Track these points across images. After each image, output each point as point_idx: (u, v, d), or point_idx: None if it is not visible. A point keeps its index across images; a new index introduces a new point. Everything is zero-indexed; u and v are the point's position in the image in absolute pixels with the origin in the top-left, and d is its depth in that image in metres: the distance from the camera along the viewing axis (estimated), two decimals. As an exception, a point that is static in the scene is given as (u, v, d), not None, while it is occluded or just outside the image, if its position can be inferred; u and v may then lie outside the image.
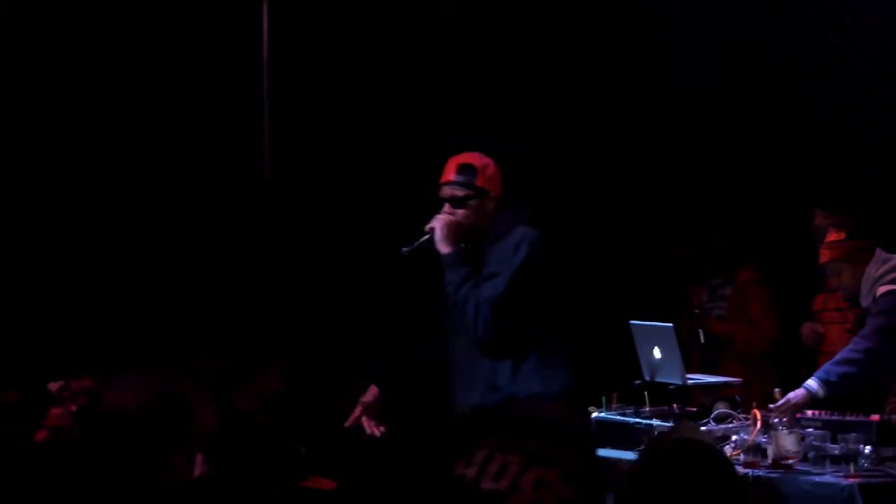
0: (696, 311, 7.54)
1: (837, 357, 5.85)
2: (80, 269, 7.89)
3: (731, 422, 5.88)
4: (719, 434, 5.83)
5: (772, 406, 5.74)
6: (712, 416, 5.94)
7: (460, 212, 5.30)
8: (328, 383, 7.52)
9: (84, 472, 3.11)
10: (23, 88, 7.78)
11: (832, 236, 6.11)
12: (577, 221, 8.33)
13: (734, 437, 5.74)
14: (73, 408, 5.94)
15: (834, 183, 7.45)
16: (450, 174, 5.34)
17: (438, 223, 5.29)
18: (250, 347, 7.37)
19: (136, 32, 7.94)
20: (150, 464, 3.09)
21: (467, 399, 5.29)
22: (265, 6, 7.45)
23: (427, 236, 5.31)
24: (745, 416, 5.85)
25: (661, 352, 6.19)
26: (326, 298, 8.06)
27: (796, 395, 5.76)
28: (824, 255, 6.10)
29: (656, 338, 6.23)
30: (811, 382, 5.75)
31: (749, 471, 5.49)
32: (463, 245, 5.31)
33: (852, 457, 5.40)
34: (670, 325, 6.24)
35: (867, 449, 5.43)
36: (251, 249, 7.85)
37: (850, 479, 5.29)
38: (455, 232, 5.28)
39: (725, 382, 6.54)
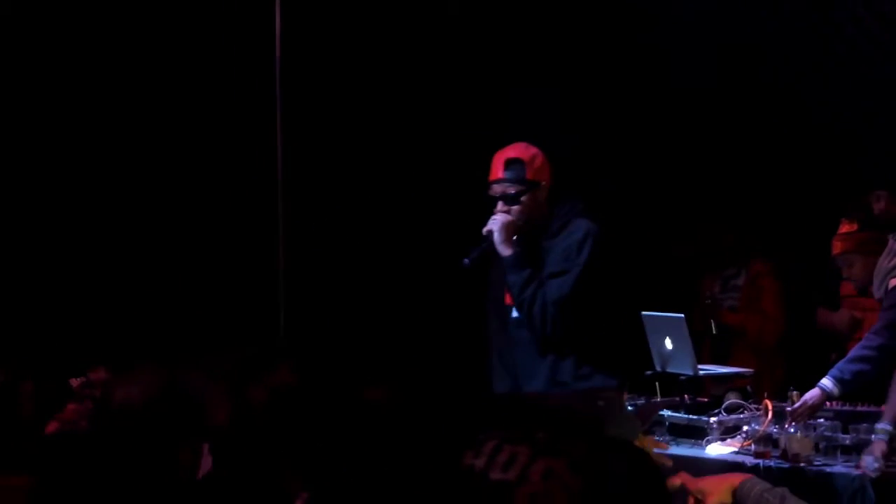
0: (708, 301, 7.54)
1: (851, 354, 5.77)
2: (98, 265, 7.93)
3: (742, 412, 5.89)
4: (731, 424, 5.85)
5: (788, 409, 5.71)
6: (724, 406, 5.95)
7: (515, 208, 5.23)
8: (338, 379, 7.53)
9: (93, 466, 3.12)
10: (39, 89, 7.82)
11: (844, 227, 6.08)
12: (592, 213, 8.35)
13: (745, 428, 5.76)
14: (91, 405, 5.98)
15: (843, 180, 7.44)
16: (498, 171, 5.27)
17: (496, 225, 5.22)
18: (262, 342, 7.40)
19: (148, 31, 7.97)
20: (158, 458, 3.11)
21: (523, 388, 5.28)
22: (277, 4, 7.45)
23: (486, 242, 5.25)
24: (756, 406, 5.86)
25: (673, 342, 6.20)
26: (339, 295, 8.09)
27: (812, 395, 5.69)
28: (836, 247, 6.06)
29: (668, 328, 6.24)
30: (826, 382, 5.69)
31: (760, 461, 5.50)
32: (515, 238, 5.24)
33: (863, 447, 5.41)
34: (682, 315, 6.25)
35: (879, 439, 5.44)
36: (263, 245, 7.87)
37: (860, 470, 5.30)
38: (513, 231, 5.22)
39: (737, 373, 6.55)
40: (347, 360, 7.66)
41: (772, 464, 5.50)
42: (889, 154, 7.47)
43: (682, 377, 6.18)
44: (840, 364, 5.75)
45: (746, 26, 7.96)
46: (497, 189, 5.27)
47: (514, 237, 5.23)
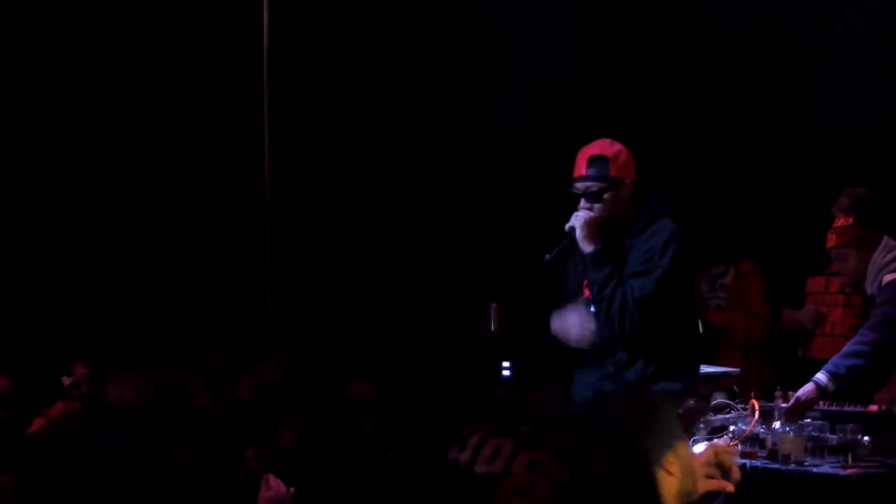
0: (695, 300, 7.53)
1: (845, 349, 5.76)
2: (83, 264, 7.91)
3: (729, 412, 5.87)
4: (718, 424, 5.83)
5: (783, 405, 5.69)
6: (710, 405, 5.93)
7: (598, 206, 5.20)
8: (326, 375, 7.52)
9: (85, 466, 3.10)
10: (18, 86, 7.80)
11: (840, 221, 6.07)
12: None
13: (732, 428, 5.73)
14: (78, 404, 5.95)
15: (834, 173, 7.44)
16: (581, 168, 5.24)
17: (578, 221, 5.19)
18: (248, 339, 7.38)
19: (135, 26, 7.95)
20: (152, 457, 3.09)
21: (590, 387, 5.27)
22: (265, 1, 7.45)
23: (567, 238, 5.22)
24: (743, 406, 5.84)
25: (660, 342, 6.17)
26: (325, 292, 8.08)
27: (805, 391, 5.68)
28: (831, 240, 6.04)
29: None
30: (820, 376, 5.68)
31: (747, 461, 5.49)
32: (597, 235, 5.22)
33: (850, 447, 5.40)
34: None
35: (865, 439, 5.42)
36: (250, 243, 7.86)
37: (849, 470, 5.29)
38: (595, 228, 5.19)
39: (724, 372, 6.51)
40: (333, 355, 7.69)
41: (759, 464, 5.48)
42: (872, 150, 7.48)
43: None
44: (835, 359, 5.73)
45: (735, 25, 7.96)
46: (580, 186, 5.25)
47: (597, 234, 5.20)
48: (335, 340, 7.73)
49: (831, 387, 5.65)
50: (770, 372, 7.24)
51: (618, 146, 5.26)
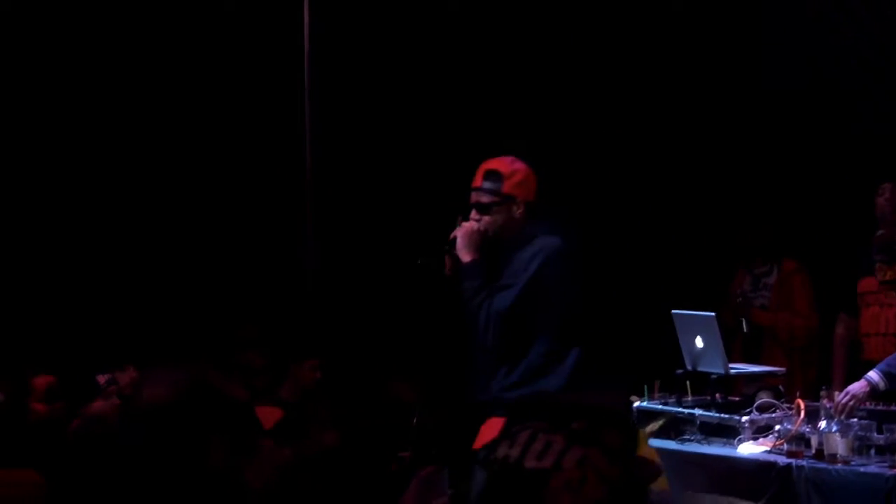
0: (740, 300, 7.50)
1: None
2: (129, 265, 7.97)
3: (774, 411, 5.84)
4: (763, 423, 5.80)
5: (829, 405, 5.65)
6: (755, 405, 5.90)
7: (486, 219, 5.23)
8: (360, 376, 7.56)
9: (121, 464, 3.11)
10: (60, 86, 7.87)
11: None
12: (622, 211, 8.33)
13: (777, 427, 5.71)
14: (117, 402, 5.98)
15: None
16: (477, 179, 5.28)
17: (460, 231, 5.24)
18: (289, 340, 7.42)
19: (178, 26, 7.99)
20: (188, 455, 3.09)
21: (477, 396, 5.29)
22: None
23: (448, 246, 5.26)
24: (788, 405, 5.81)
25: (704, 341, 6.15)
26: (364, 296, 8.09)
27: (857, 387, 5.66)
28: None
29: (698, 327, 6.19)
30: (872, 374, 5.65)
31: (792, 461, 5.45)
32: (477, 247, 5.24)
33: (897, 447, 5.36)
34: (712, 314, 6.20)
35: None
36: (291, 246, 7.89)
37: (895, 470, 5.24)
38: (477, 240, 5.21)
39: (769, 372, 6.49)
40: (374, 357, 7.69)
41: (804, 463, 5.45)
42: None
43: (713, 376, 6.13)
44: (889, 359, 5.69)
45: (786, 26, 7.93)
46: (474, 197, 5.29)
47: (477, 246, 5.22)
48: (377, 341, 7.74)
49: (882, 385, 5.61)
50: (815, 372, 7.20)
51: (518, 165, 5.26)
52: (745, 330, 7.40)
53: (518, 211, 5.23)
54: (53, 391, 6.65)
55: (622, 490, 2.10)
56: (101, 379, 6.42)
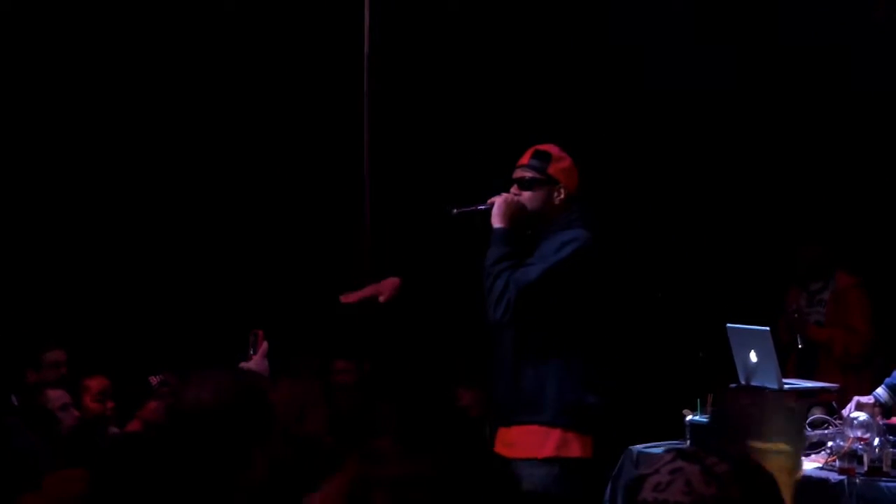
0: (795, 315, 7.46)
1: None
2: (182, 269, 8.02)
3: (827, 427, 5.80)
4: (816, 440, 5.76)
5: (883, 422, 5.63)
6: (808, 421, 5.86)
7: (526, 194, 5.22)
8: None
9: (168, 466, 3.13)
10: (125, 85, 7.93)
11: None
12: (678, 224, 8.30)
13: (830, 444, 5.67)
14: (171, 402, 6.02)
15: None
16: (525, 158, 5.29)
17: (499, 199, 5.22)
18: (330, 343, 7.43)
19: (237, 28, 8.04)
20: (231, 459, 3.10)
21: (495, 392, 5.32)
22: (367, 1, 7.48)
23: (483, 206, 5.24)
24: (841, 422, 5.77)
25: (758, 355, 6.12)
26: (422, 300, 8.08)
27: (864, 399, 5.73)
28: None
29: (753, 341, 6.16)
30: (879, 390, 5.73)
31: (845, 477, 5.42)
32: (529, 232, 5.22)
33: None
34: (767, 328, 6.16)
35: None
36: (347, 248, 7.89)
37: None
38: (513, 211, 5.18)
39: (822, 388, 6.43)
40: (438, 364, 7.68)
41: (857, 480, 5.41)
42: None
43: (767, 391, 6.10)
44: None
45: (836, 30, 7.87)
46: (517, 173, 5.28)
47: (513, 216, 5.18)
48: (442, 349, 7.74)
49: (884, 398, 5.77)
50: (870, 388, 7.14)
51: (567, 155, 5.28)
52: (799, 345, 7.36)
53: (558, 197, 5.21)
54: (106, 392, 6.73)
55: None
56: (154, 380, 6.47)
